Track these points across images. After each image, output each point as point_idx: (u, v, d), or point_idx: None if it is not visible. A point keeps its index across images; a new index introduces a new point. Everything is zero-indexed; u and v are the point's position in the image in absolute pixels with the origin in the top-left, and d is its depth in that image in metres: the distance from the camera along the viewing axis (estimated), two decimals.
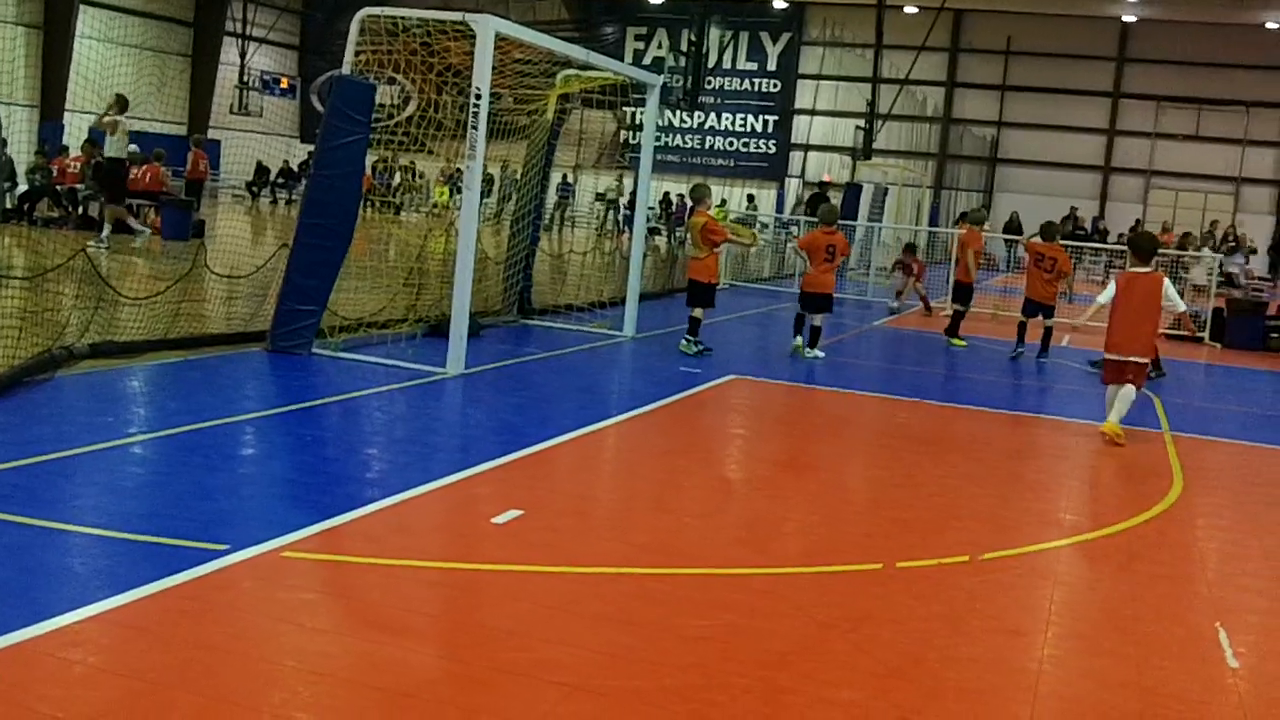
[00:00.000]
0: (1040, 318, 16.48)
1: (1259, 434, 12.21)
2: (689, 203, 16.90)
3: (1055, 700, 4.99)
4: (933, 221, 42.03)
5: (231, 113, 47.97)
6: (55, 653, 4.55)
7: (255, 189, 43.09)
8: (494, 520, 6.77)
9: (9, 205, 22.42)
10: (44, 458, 7.12)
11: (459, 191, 16.50)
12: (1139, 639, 5.77)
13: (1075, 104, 46.06)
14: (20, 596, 5.02)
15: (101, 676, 4.44)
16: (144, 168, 24.63)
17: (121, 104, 21.10)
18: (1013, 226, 40.10)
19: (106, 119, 20.63)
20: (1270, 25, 41.09)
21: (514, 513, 6.88)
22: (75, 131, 30.92)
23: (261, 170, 43.98)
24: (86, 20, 40.25)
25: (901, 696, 4.87)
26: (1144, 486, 9.23)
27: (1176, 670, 5.44)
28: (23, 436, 7.61)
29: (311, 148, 18.09)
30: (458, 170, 30.68)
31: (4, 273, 12.60)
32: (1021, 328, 16.60)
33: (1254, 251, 34.60)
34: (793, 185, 48.65)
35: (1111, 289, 10.89)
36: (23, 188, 24.77)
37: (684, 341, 14.16)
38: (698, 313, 14.19)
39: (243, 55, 48.94)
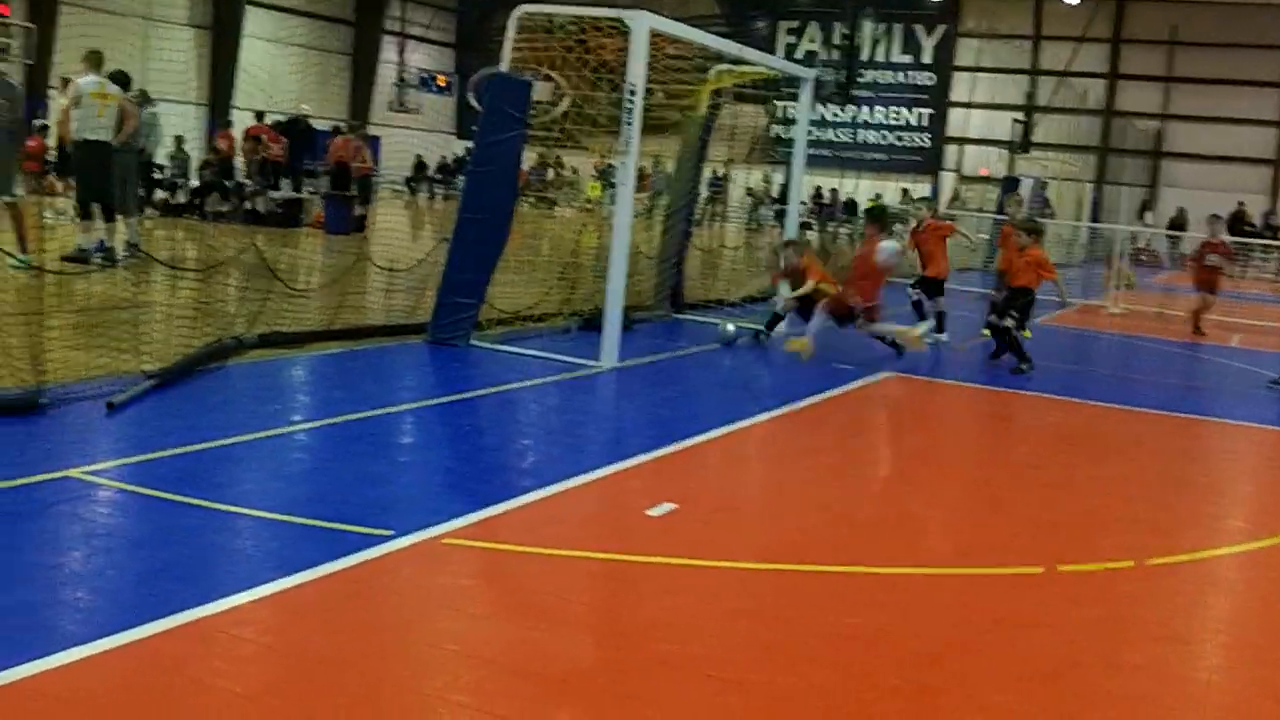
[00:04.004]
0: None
1: None
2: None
3: (1224, 713, 4.86)
4: (1094, 217, 41.03)
5: (390, 109, 48.99)
6: (228, 630, 4.72)
7: (414, 185, 43.94)
8: (648, 513, 6.83)
9: (184, 200, 23.25)
10: (215, 443, 7.37)
11: (611, 186, 16.61)
12: None
13: (1244, 95, 44.41)
14: (195, 576, 5.22)
15: (270, 655, 4.61)
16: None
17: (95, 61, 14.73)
18: (1179, 222, 38.94)
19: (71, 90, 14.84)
20: None
21: (668, 506, 6.92)
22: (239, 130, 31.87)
23: (420, 166, 44.84)
24: (253, 20, 41.47)
25: (1058, 702, 4.78)
26: None
27: None
28: (195, 423, 7.88)
29: (469, 144, 18.39)
30: (609, 165, 30.91)
31: (179, 265, 13.07)
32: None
33: None
34: (948, 179, 47.89)
35: None
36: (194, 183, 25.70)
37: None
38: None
39: (401, 53, 49.93)
